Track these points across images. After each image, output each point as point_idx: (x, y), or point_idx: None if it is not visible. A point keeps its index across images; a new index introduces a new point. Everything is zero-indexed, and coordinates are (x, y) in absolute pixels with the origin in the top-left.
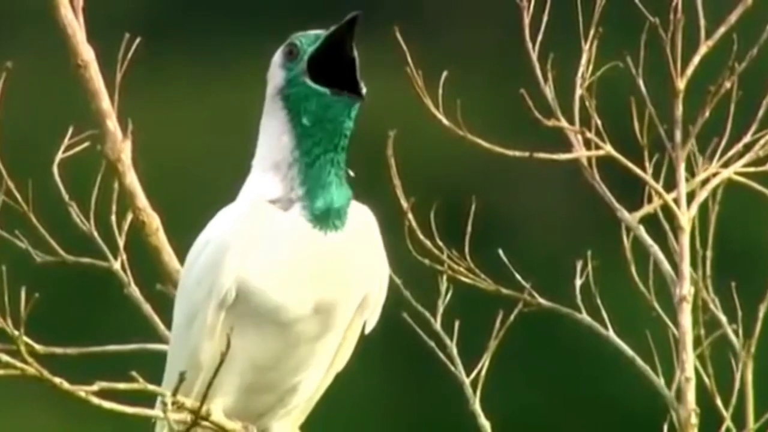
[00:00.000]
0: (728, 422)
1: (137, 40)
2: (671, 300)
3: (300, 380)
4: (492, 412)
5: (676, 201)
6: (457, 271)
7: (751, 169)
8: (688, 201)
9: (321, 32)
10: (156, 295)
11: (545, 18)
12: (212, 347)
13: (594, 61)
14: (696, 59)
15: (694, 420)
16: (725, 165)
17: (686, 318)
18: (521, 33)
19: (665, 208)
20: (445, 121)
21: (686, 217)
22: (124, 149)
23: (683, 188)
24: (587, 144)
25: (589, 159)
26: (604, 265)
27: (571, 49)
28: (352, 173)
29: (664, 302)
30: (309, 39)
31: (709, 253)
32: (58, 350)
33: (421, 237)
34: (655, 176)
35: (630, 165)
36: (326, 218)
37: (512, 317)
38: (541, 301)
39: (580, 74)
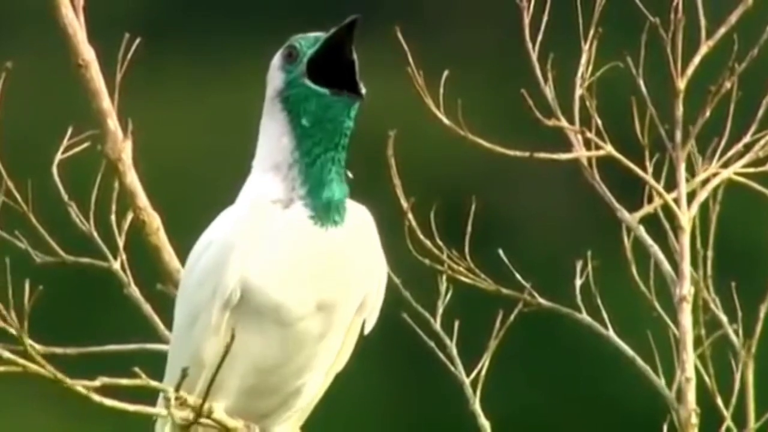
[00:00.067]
0: (729, 422)
1: (137, 40)
2: (671, 300)
3: (303, 383)
4: (492, 412)
5: (676, 201)
6: (457, 271)
7: (752, 170)
8: (689, 201)
9: (320, 35)
10: (156, 295)
11: (545, 18)
12: (215, 347)
13: (594, 61)
14: (696, 59)
15: (694, 420)
16: (725, 165)
17: (686, 318)
18: (521, 33)
19: (665, 208)
20: (445, 120)
21: (686, 217)
22: (124, 149)
23: (683, 188)
24: (587, 144)
25: (589, 159)
26: (605, 265)
27: (572, 49)
28: (350, 174)
29: (664, 302)
30: (308, 41)
31: (709, 253)
32: (58, 350)
33: (421, 237)
34: (656, 176)
35: (630, 165)
36: (327, 213)
37: (512, 317)
38: (541, 301)
39: (580, 74)
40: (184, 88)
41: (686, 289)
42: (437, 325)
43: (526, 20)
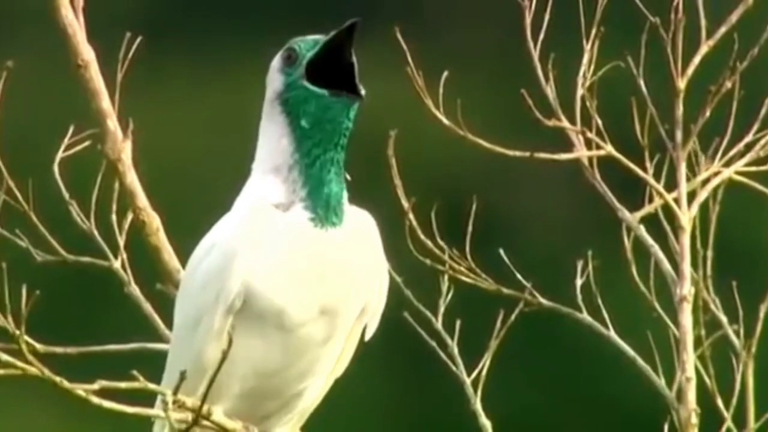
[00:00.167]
0: (729, 422)
1: (137, 40)
2: (672, 300)
3: (305, 387)
4: (493, 412)
5: (676, 201)
6: (458, 270)
7: (752, 169)
8: (689, 201)
9: (320, 37)
10: (156, 295)
11: (546, 18)
12: (217, 351)
13: (595, 61)
14: (697, 59)
15: (694, 420)
16: (726, 165)
17: (687, 318)
18: (522, 33)
19: (666, 208)
20: (445, 121)
21: (687, 216)
22: (124, 149)
23: (684, 188)
24: (588, 144)
25: (590, 159)
26: (605, 265)
27: (573, 49)
28: (348, 177)
29: (664, 302)
30: (308, 44)
31: (709, 253)
32: (59, 350)
33: (422, 237)
34: (656, 176)
35: (631, 165)
36: (326, 213)
37: (513, 317)
38: (542, 300)
39: (581, 74)
40: (184, 88)
41: (686, 289)
42: (438, 325)
43: (528, 20)
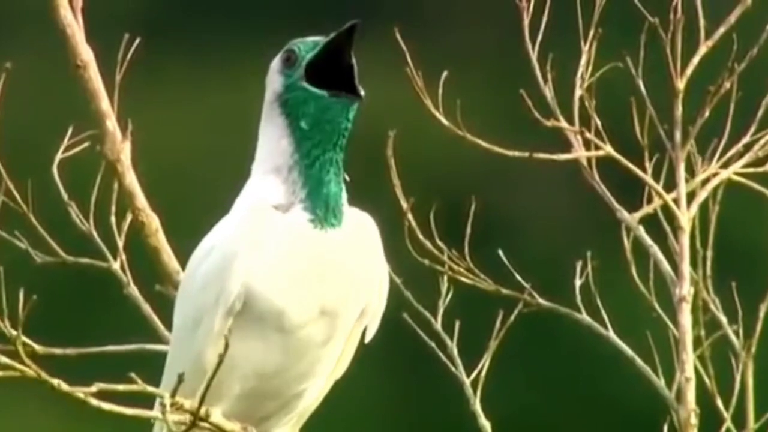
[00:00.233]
0: (728, 423)
1: (137, 40)
2: (671, 300)
3: (305, 388)
4: (492, 413)
5: (676, 201)
6: (457, 271)
7: (751, 170)
8: (688, 201)
9: (319, 39)
10: (155, 296)
11: (545, 18)
12: (217, 352)
13: (594, 61)
14: (696, 59)
15: (694, 420)
16: (725, 165)
17: (686, 318)
18: (521, 33)
19: (665, 208)
20: (444, 121)
21: (686, 217)
22: (123, 149)
23: (683, 188)
24: (587, 144)
25: (588, 159)
26: (604, 266)
27: (571, 50)
28: (348, 177)
29: (664, 302)
30: (307, 45)
31: (709, 253)
32: (58, 351)
33: (421, 237)
34: (655, 176)
35: (630, 165)
36: (325, 214)
37: (512, 317)
38: (541, 301)
39: (579, 74)
40: (183, 88)
41: (686, 289)
42: (438, 326)
43: (526, 20)
